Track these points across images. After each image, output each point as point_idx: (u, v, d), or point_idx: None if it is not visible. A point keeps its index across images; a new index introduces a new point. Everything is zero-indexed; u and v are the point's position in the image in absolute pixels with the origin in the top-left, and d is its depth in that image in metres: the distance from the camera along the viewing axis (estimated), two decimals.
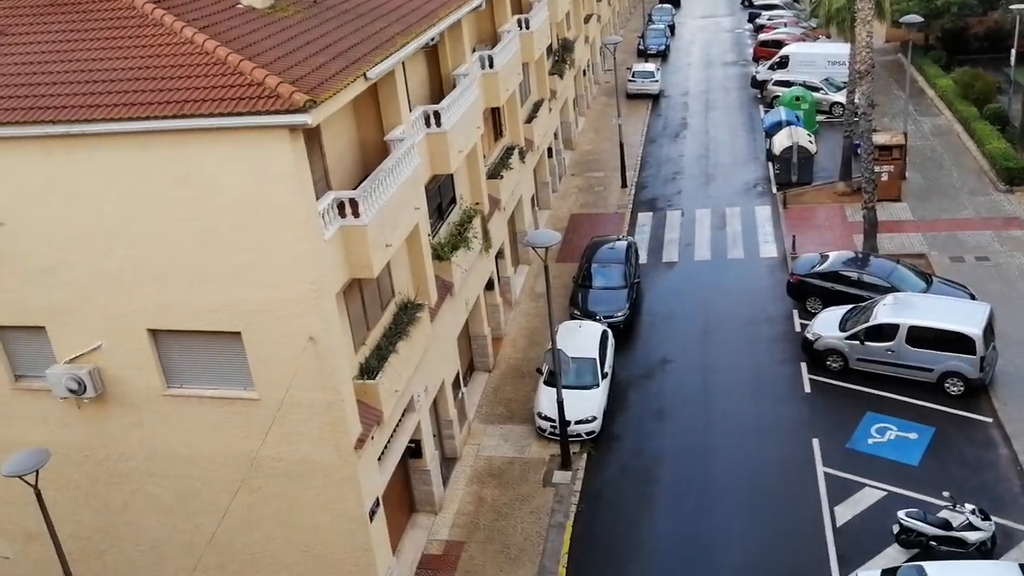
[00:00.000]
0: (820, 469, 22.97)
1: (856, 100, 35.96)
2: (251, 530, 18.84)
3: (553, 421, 24.42)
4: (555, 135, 41.55)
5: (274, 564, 19.14)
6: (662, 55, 64.32)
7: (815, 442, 23.94)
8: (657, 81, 54.83)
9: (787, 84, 49.40)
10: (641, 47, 64.68)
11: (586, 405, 24.87)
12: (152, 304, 17.14)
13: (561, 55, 42.10)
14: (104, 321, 17.50)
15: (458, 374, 24.95)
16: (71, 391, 17.71)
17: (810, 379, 26.59)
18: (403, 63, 20.44)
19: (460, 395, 25.11)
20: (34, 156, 16.40)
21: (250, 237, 16.22)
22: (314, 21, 19.79)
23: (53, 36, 18.23)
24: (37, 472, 15.38)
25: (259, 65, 16.08)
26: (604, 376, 25.99)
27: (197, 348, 17.59)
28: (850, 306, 27.93)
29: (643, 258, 34.74)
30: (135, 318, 17.35)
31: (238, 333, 17.09)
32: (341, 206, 17.28)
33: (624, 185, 41.60)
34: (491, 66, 27.81)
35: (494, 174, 28.98)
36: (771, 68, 52.84)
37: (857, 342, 26.11)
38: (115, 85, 16.33)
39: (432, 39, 22.25)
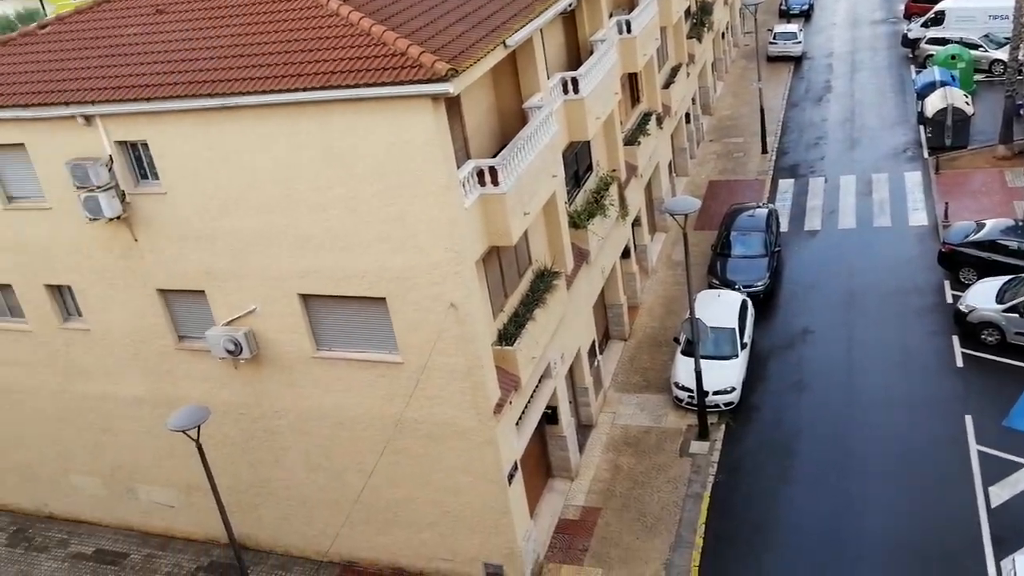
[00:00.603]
0: (973, 447, 21.86)
1: (1020, 57, 33.53)
2: (394, 489, 19.48)
3: (691, 391, 24.13)
4: (693, 100, 40.63)
5: (416, 522, 19.75)
6: (805, 15, 61.69)
7: (968, 419, 22.77)
8: (800, 42, 52.70)
9: (942, 42, 46.53)
10: (783, 7, 62.20)
11: (725, 375, 24.44)
12: (302, 270, 17.82)
13: (699, 18, 40.99)
14: (258, 286, 18.33)
15: (594, 342, 24.93)
16: (229, 352, 18.67)
17: (963, 353, 25.25)
18: (541, 30, 20.36)
19: (596, 363, 25.10)
20: (194, 128, 17.23)
21: (392, 205, 16.60)
22: None
23: (208, 12, 19.07)
24: (198, 428, 16.33)
25: (402, 35, 16.36)
26: (743, 346, 25.46)
27: (344, 313, 18.21)
28: (1009, 277, 26.31)
29: (784, 226, 33.67)
30: (287, 283, 18.09)
31: (383, 299, 17.57)
32: (480, 174, 17.45)
33: (764, 151, 40.35)
34: (628, 31, 27.37)
35: (631, 140, 28.63)
36: (924, 25, 49.83)
37: (1016, 315, 24.60)
38: (267, 59, 16.95)
39: (570, 4, 22.05)
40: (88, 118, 17.84)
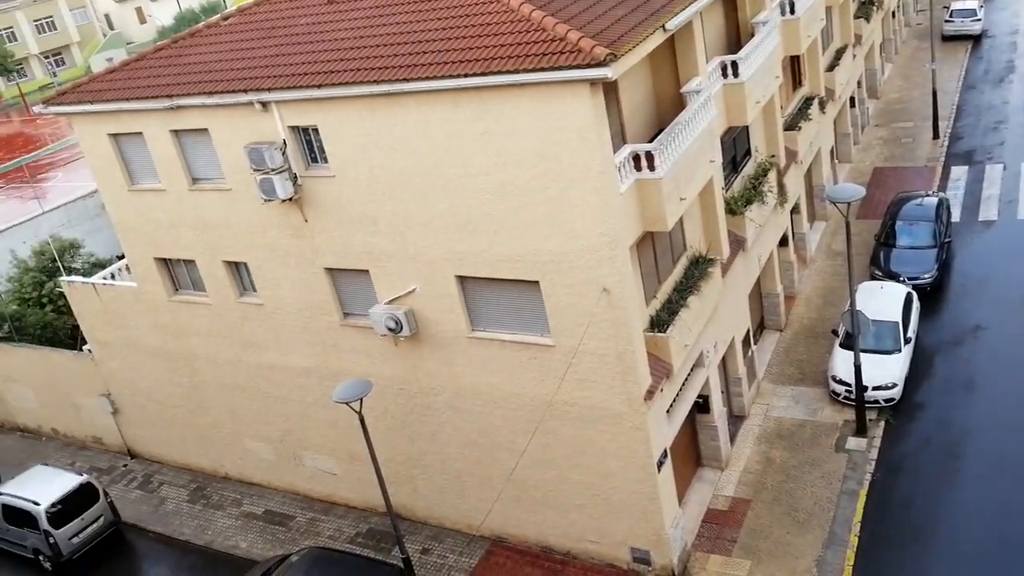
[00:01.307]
0: None
1: None
2: (545, 469, 19.82)
3: (849, 385, 23.31)
4: (858, 83, 38.91)
5: (565, 503, 20.03)
6: None
7: None
8: (979, 20, 49.46)
9: None
10: None
11: (886, 371, 23.47)
12: (460, 252, 18.34)
13: None
14: (419, 267, 19.00)
15: (748, 332, 24.45)
16: (390, 329, 19.46)
17: None
18: (701, 12, 20.04)
19: (750, 353, 24.61)
20: (360, 113, 17.98)
21: (548, 189, 16.81)
22: None
23: (376, 2, 19.81)
24: (361, 400, 17.18)
25: (561, 20, 16.49)
26: (907, 341, 24.34)
27: (499, 295, 18.62)
28: None
29: (956, 215, 31.87)
30: (445, 265, 18.67)
31: (536, 282, 17.86)
32: (637, 159, 17.42)
33: (936, 136, 38.20)
34: (792, 12, 26.51)
35: (791, 125, 27.78)
36: None
37: None
38: (430, 45, 17.47)
39: None
40: (264, 104, 18.92)
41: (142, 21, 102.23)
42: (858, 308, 22.43)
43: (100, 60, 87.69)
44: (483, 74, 16.18)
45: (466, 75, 16.34)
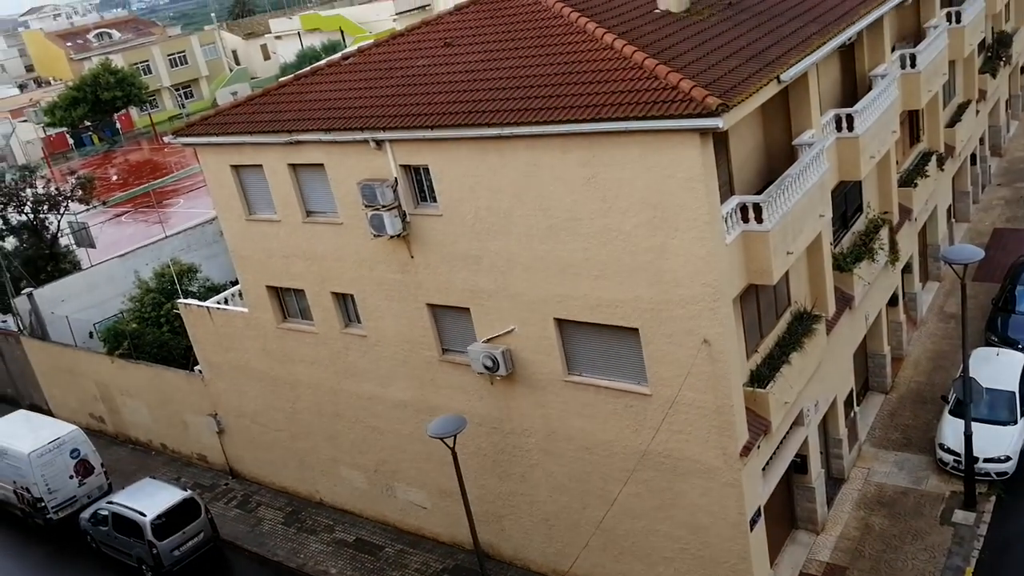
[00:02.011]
0: None
1: None
2: (634, 519, 19.55)
3: (958, 455, 22.28)
4: (981, 140, 37.59)
5: (652, 555, 19.69)
6: None
7: None
8: None
9: None
10: None
11: (999, 442, 22.36)
12: (560, 295, 18.42)
13: (995, 51, 37.94)
14: (518, 307, 19.16)
15: (852, 392, 23.69)
16: (486, 368, 19.64)
17: None
18: (816, 64, 19.83)
19: (852, 414, 23.83)
20: (470, 155, 18.36)
21: (652, 237, 16.78)
22: (728, 23, 19.95)
23: (490, 46, 20.26)
24: (455, 436, 17.35)
25: (673, 69, 16.56)
26: (1023, 413, 23.21)
27: (597, 340, 18.59)
28: None
29: None
30: (544, 307, 18.78)
31: (635, 329, 17.78)
32: (744, 210, 17.26)
33: None
34: (912, 66, 25.92)
35: (907, 182, 27.01)
36: None
37: None
38: (541, 90, 17.73)
39: (849, 39, 21.31)
40: (379, 143, 19.53)
41: (266, 57, 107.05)
42: (971, 375, 21.51)
43: (225, 93, 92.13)
44: (593, 120, 16.34)
45: (576, 120, 16.52)
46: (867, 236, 23.52)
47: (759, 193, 18.09)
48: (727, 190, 18.10)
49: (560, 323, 18.89)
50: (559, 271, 18.22)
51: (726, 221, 16.79)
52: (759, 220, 17.15)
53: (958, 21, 30.65)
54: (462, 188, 18.84)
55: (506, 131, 17.44)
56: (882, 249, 23.74)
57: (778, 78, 17.45)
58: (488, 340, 19.81)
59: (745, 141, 19.11)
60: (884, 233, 24.05)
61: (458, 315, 20.41)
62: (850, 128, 21.51)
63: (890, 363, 26.58)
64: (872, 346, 25.98)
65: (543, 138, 17.22)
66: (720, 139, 17.52)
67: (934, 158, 28.76)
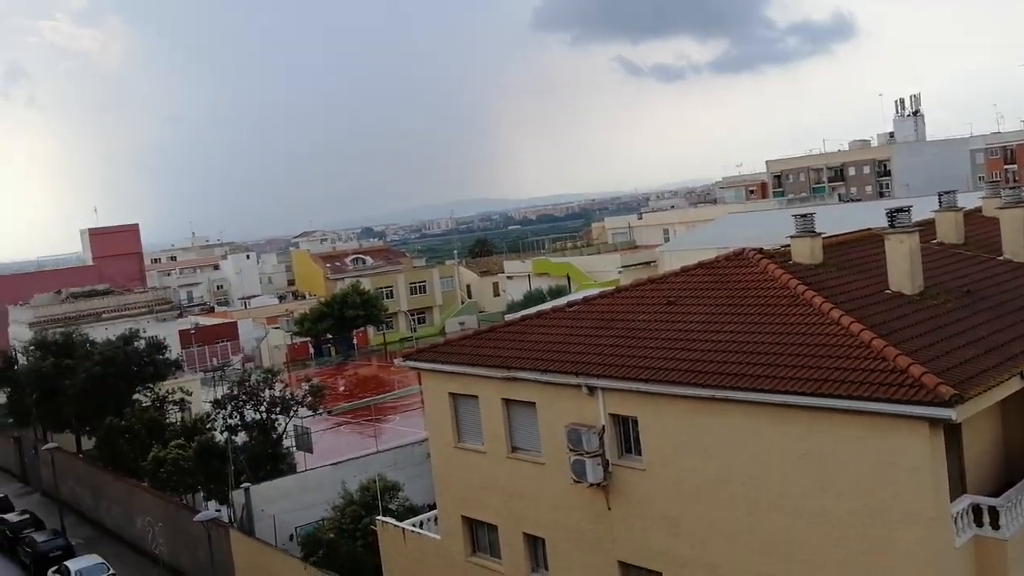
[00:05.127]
0: None
1: None
2: None
3: None
4: None
5: None
6: None
7: None
8: None
9: None
10: None
11: None
12: (762, 573, 17.19)
13: None
14: None
15: None
16: None
17: None
18: None
19: None
20: (681, 413, 18.18)
21: (868, 527, 15.57)
22: (966, 311, 19.12)
23: (712, 308, 20.45)
24: None
25: (903, 352, 15.95)
26: None
27: None
28: None
29: None
30: None
31: None
32: (978, 513, 15.71)
33: None
34: None
35: None
36: None
37: None
38: (761, 357, 17.53)
39: None
40: (591, 389, 19.79)
41: (496, 294, 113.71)
42: None
43: (454, 323, 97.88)
44: (814, 394, 15.87)
45: (795, 392, 16.12)
46: None
47: (999, 496, 16.47)
48: (959, 487, 16.63)
49: None
50: (763, 548, 17.13)
51: (956, 522, 15.32)
52: (995, 526, 15.53)
53: None
54: (669, 445, 18.52)
55: (720, 393, 17.23)
56: None
57: (1021, 373, 16.31)
58: None
59: (982, 435, 17.72)
60: None
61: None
62: None
63: None
64: None
65: (759, 406, 16.83)
66: (953, 430, 16.32)
67: None
